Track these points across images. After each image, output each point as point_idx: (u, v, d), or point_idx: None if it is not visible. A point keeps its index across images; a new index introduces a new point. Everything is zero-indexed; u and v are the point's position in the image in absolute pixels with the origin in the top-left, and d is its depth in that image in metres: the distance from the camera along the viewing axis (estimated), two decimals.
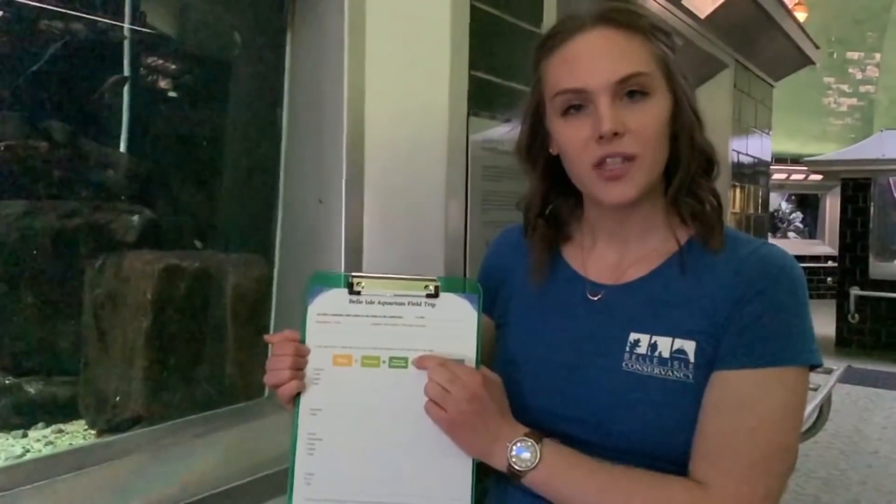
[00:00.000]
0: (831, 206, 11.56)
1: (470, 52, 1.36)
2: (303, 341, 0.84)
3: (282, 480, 0.83)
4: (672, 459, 0.79)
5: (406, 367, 0.82)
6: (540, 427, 0.84)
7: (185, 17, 1.58)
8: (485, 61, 1.41)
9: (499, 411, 0.81)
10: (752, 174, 3.71)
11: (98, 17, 1.35)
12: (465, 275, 1.37)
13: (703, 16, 2.70)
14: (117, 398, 1.24)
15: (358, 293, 0.85)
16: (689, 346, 0.80)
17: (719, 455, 0.76)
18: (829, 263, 10.53)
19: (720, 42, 3.05)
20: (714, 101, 3.16)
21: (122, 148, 1.42)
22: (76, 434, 1.25)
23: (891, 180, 8.26)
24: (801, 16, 6.33)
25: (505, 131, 1.47)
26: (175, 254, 1.30)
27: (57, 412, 1.27)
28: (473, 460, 0.81)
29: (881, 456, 4.36)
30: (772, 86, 4.00)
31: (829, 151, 9.24)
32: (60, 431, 1.25)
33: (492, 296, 0.99)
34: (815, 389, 2.71)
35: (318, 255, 1.33)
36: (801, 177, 11.65)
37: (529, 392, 0.88)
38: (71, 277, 1.29)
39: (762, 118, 3.84)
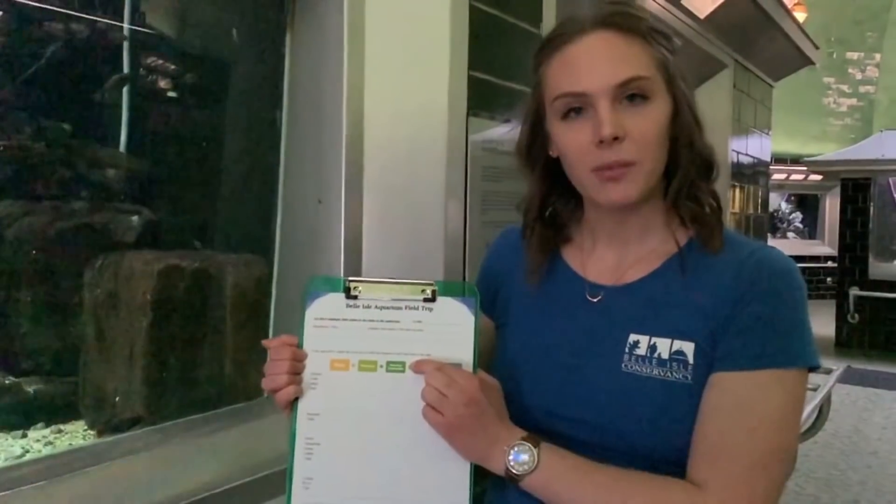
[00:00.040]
0: (831, 207, 11.56)
1: (469, 53, 1.36)
2: (300, 346, 0.84)
3: (281, 481, 0.83)
4: (671, 460, 0.79)
5: (403, 371, 0.82)
6: (539, 427, 0.84)
7: (184, 18, 1.57)
8: (484, 61, 1.41)
9: (496, 415, 0.81)
10: (751, 174, 3.71)
11: (98, 17, 1.35)
12: (464, 275, 1.37)
13: (702, 16, 2.70)
14: (117, 398, 1.24)
15: (355, 297, 0.85)
16: (689, 348, 0.80)
17: (718, 456, 0.76)
18: (829, 264, 10.53)
19: (720, 42, 3.05)
20: (714, 101, 3.16)
21: (122, 148, 1.42)
22: (76, 434, 1.25)
23: (890, 180, 8.26)
24: (800, 16, 6.33)
25: (504, 131, 1.47)
26: (175, 254, 1.30)
27: (56, 412, 1.27)
28: (471, 464, 0.81)
29: (881, 456, 4.37)
30: (771, 86, 4.00)
31: (829, 152, 9.24)
32: (60, 432, 1.24)
33: (491, 297, 0.99)
34: (815, 389, 2.71)
35: (318, 255, 1.33)
36: (800, 177, 11.65)
37: (529, 392, 0.88)
38: (70, 277, 1.28)
39: (762, 118, 3.85)
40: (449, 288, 0.84)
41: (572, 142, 0.83)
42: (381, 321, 0.84)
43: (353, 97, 1.29)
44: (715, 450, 0.77)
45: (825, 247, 11.73)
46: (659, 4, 2.37)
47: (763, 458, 0.76)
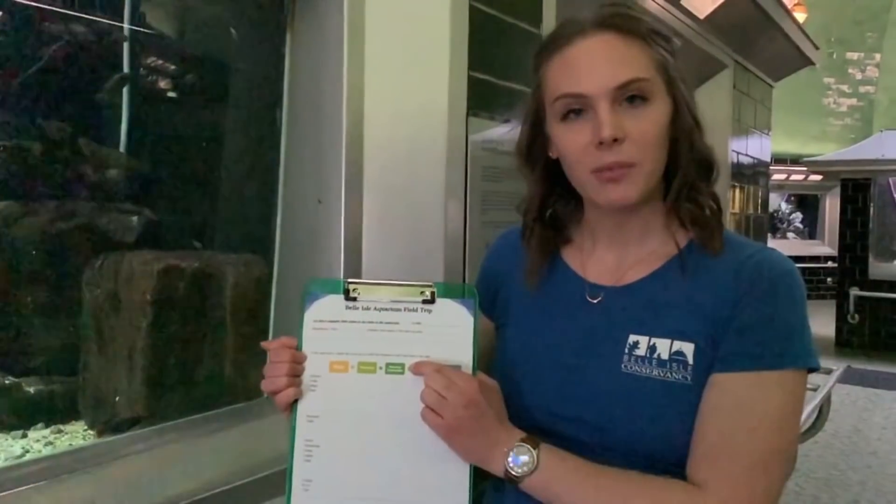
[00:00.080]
0: (831, 207, 11.56)
1: (469, 53, 1.36)
2: (300, 348, 0.84)
3: (281, 481, 0.83)
4: (671, 461, 0.80)
5: (403, 373, 0.82)
6: (539, 428, 0.84)
7: (184, 18, 1.58)
8: (484, 61, 1.41)
9: (496, 417, 0.81)
10: (751, 174, 3.71)
11: (97, 17, 1.35)
12: (464, 275, 1.37)
13: (702, 16, 2.70)
14: (117, 398, 1.24)
15: (354, 299, 0.84)
16: (688, 348, 0.80)
17: (717, 457, 0.76)
18: (829, 264, 10.53)
19: (720, 42, 3.05)
20: (713, 101, 3.16)
21: (122, 148, 1.42)
22: (76, 434, 1.25)
23: (890, 181, 8.25)
24: (800, 16, 6.33)
25: (504, 131, 1.47)
26: (174, 254, 1.30)
27: (56, 412, 1.27)
28: (471, 466, 0.81)
29: (880, 456, 4.37)
30: (771, 86, 4.00)
31: (829, 152, 9.24)
32: (60, 432, 1.25)
33: (491, 297, 1.00)
34: (815, 390, 2.71)
35: (318, 255, 1.33)
36: (800, 177, 11.65)
37: (528, 393, 0.88)
38: (70, 278, 1.29)
39: (762, 118, 3.85)
40: (448, 290, 0.84)
41: (572, 143, 0.83)
42: (381, 323, 0.84)
43: (353, 97, 1.29)
44: (715, 450, 0.77)
45: (825, 247, 11.72)
46: (659, 5, 2.37)
47: (763, 459, 0.76)
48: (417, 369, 0.81)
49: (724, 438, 0.76)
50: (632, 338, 0.83)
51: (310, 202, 1.34)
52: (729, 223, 3.29)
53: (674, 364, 0.80)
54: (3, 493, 0.93)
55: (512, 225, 1.03)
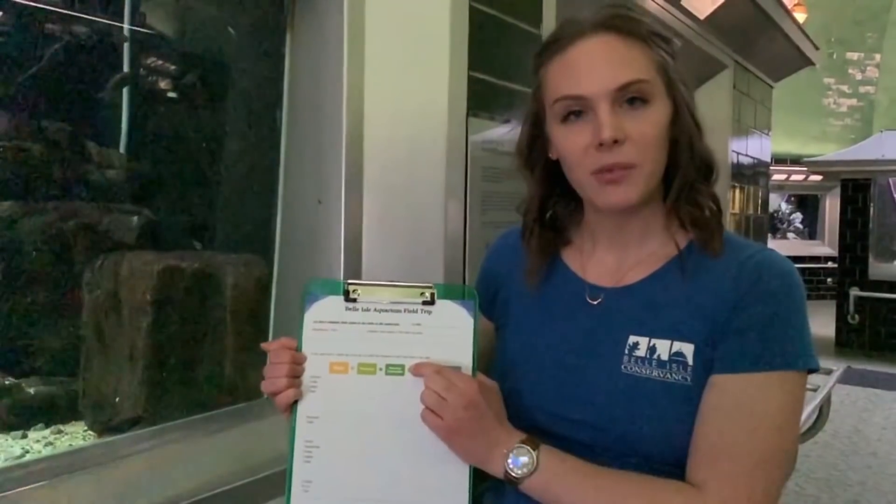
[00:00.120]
0: (831, 207, 11.55)
1: (469, 53, 1.36)
2: (299, 349, 0.84)
3: (280, 481, 0.83)
4: (670, 461, 0.80)
5: (403, 374, 0.82)
6: (539, 428, 0.84)
7: (184, 18, 1.58)
8: (484, 62, 1.41)
9: (495, 418, 0.81)
10: (751, 175, 3.71)
11: (98, 17, 1.35)
12: (464, 275, 1.37)
13: (702, 16, 2.70)
14: (117, 399, 1.24)
15: (354, 300, 0.84)
16: (688, 349, 0.80)
17: (717, 458, 0.76)
18: (829, 264, 10.52)
19: (720, 43, 3.05)
20: (714, 101, 3.16)
21: (122, 148, 1.42)
22: (76, 435, 1.25)
23: (890, 181, 8.25)
24: (800, 16, 6.32)
25: (504, 132, 1.47)
26: (174, 254, 1.30)
27: (56, 413, 1.27)
28: (470, 467, 0.81)
29: (880, 456, 4.37)
30: (771, 86, 4.00)
31: (829, 152, 9.23)
32: (60, 432, 1.25)
33: (491, 297, 1.00)
34: (815, 390, 2.71)
35: (318, 255, 1.33)
36: (800, 177, 11.64)
37: (528, 393, 0.88)
38: (70, 278, 1.29)
39: (762, 119, 3.85)
40: (448, 291, 0.84)
41: (572, 144, 0.83)
42: (380, 324, 0.84)
43: (353, 97, 1.30)
44: (714, 450, 0.77)
45: (825, 247, 11.72)
46: (659, 5, 2.37)
47: (763, 459, 0.76)
48: (417, 370, 0.81)
49: (723, 439, 0.76)
50: (632, 339, 0.83)
51: (310, 202, 1.35)
52: (729, 223, 3.29)
53: (673, 365, 0.80)
54: (3, 494, 0.93)
55: (512, 225, 1.02)
